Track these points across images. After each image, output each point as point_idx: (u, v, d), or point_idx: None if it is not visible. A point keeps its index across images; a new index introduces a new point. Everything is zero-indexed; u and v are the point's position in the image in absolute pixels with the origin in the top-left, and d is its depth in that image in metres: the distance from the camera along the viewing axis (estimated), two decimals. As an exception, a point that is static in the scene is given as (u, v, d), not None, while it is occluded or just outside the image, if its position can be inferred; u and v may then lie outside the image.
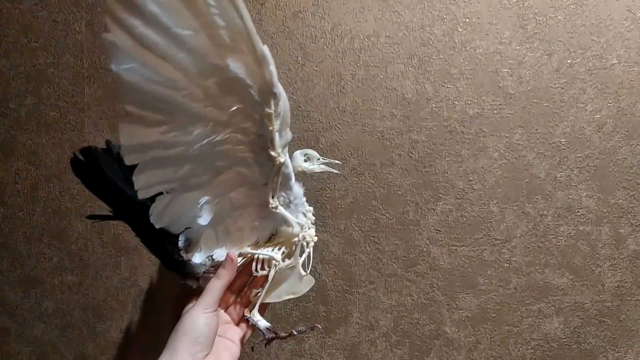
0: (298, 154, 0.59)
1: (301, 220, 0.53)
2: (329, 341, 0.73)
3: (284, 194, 0.50)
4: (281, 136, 0.44)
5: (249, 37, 0.38)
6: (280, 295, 0.54)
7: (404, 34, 0.71)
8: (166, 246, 0.50)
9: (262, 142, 0.44)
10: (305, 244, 0.53)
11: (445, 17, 0.71)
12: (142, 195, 0.44)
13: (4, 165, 0.77)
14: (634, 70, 0.69)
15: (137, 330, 0.76)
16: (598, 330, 0.70)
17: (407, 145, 0.71)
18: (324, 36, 0.72)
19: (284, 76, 0.73)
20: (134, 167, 0.43)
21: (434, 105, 0.71)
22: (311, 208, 0.55)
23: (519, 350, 0.71)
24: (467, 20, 0.70)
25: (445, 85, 0.71)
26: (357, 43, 0.72)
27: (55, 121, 0.76)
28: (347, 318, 0.73)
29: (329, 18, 0.72)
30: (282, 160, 0.45)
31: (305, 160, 0.59)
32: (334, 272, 0.73)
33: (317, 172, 0.61)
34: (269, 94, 0.40)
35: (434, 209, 0.71)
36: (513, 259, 0.71)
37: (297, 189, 0.52)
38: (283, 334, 0.54)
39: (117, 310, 0.76)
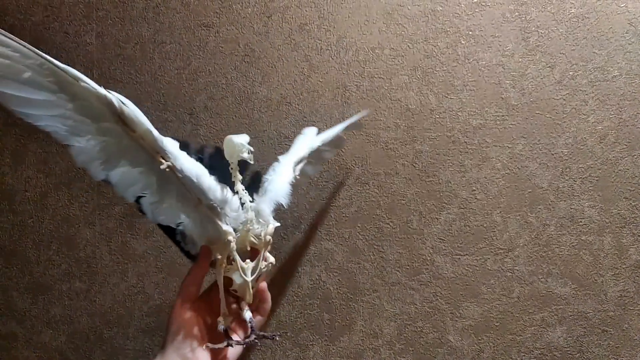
0: (225, 143, 0.49)
1: (230, 222, 0.49)
2: (333, 349, 0.74)
3: (201, 196, 0.47)
4: (145, 140, 0.44)
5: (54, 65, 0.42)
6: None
7: (408, 46, 0.72)
8: (174, 238, 0.51)
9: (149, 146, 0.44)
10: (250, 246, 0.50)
11: (448, 30, 0.72)
12: (78, 164, 0.46)
13: (15, 173, 0.78)
14: (636, 82, 0.70)
15: (143, 337, 0.77)
16: (600, 339, 0.71)
17: (411, 155, 0.72)
18: (330, 48, 0.74)
19: (290, 87, 0.74)
20: None
21: (438, 116, 0.72)
22: (261, 207, 0.50)
23: (522, 359, 0.71)
24: (470, 33, 0.72)
25: (449, 97, 0.72)
26: (362, 55, 0.73)
27: (65, 130, 0.77)
28: (351, 326, 0.74)
29: (335, 30, 0.73)
30: (163, 165, 0.44)
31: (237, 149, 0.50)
32: (338, 280, 0.74)
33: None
34: (106, 104, 0.43)
35: (437, 218, 0.72)
36: (516, 268, 0.71)
37: (215, 189, 0.47)
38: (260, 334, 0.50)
39: (124, 317, 0.77)
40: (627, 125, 0.70)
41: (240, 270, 0.48)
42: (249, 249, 0.50)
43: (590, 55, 0.70)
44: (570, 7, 0.70)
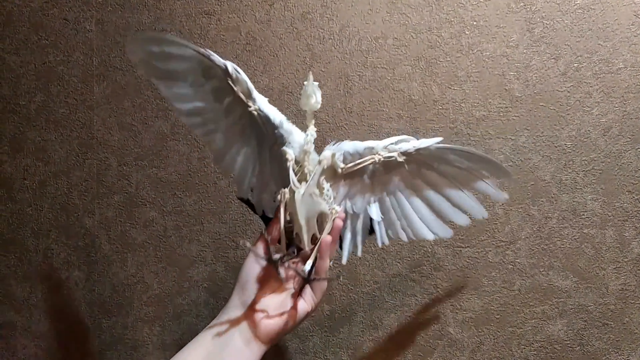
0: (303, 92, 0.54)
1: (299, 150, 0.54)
2: (333, 340, 0.74)
3: (276, 133, 0.54)
4: (245, 94, 0.52)
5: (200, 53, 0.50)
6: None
7: (412, 36, 0.72)
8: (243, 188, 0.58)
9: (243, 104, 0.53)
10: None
11: (452, 20, 0.71)
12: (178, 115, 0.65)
13: (13, 161, 0.77)
14: (640, 74, 0.69)
15: (142, 327, 0.77)
16: (601, 332, 0.70)
17: (413, 147, 0.72)
18: (332, 37, 0.73)
19: (291, 77, 0.73)
20: None
21: (441, 107, 0.71)
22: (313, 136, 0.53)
23: (522, 352, 0.71)
24: (475, 23, 0.71)
25: (452, 88, 0.71)
26: (364, 45, 0.72)
27: (64, 118, 0.77)
28: (351, 317, 0.73)
29: (337, 20, 0.73)
30: (251, 107, 0.52)
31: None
32: (339, 271, 0.73)
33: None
34: (222, 71, 0.51)
35: (439, 210, 0.72)
36: (517, 260, 0.71)
37: (288, 126, 0.54)
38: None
39: (123, 306, 0.77)
40: (632, 118, 0.69)
41: (292, 183, 0.51)
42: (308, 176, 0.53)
43: (595, 47, 0.69)
44: (576, -2, 0.70)
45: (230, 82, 0.51)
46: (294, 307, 0.52)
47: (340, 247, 0.57)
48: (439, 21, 0.71)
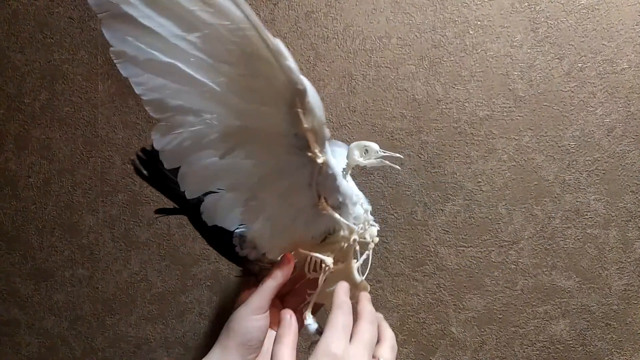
0: (354, 147, 0.50)
1: (352, 222, 0.48)
2: (336, 339, 0.74)
3: (332, 195, 0.45)
4: (316, 135, 0.40)
5: (258, 33, 0.35)
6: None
7: (416, 35, 0.72)
8: (223, 241, 0.48)
9: (300, 143, 0.40)
10: (359, 245, 0.49)
11: (456, 19, 0.71)
12: (189, 195, 0.42)
13: (18, 159, 0.78)
14: (645, 75, 0.69)
15: (145, 325, 0.77)
16: (604, 333, 0.70)
17: (416, 146, 0.72)
18: (336, 37, 0.73)
19: (295, 75, 0.73)
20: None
21: (444, 107, 0.72)
22: (369, 207, 0.50)
23: (524, 352, 0.71)
24: (479, 23, 0.71)
25: (456, 87, 0.71)
26: (368, 44, 0.72)
27: (69, 116, 0.77)
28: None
29: (341, 19, 0.73)
30: (320, 160, 0.41)
31: (364, 154, 0.50)
32: None
33: (376, 167, 0.54)
34: (293, 91, 0.37)
35: (442, 210, 0.72)
36: (520, 260, 0.71)
37: (346, 188, 0.47)
38: None
39: (126, 304, 0.77)
40: (635, 119, 0.69)
41: (356, 271, 0.48)
42: (358, 248, 0.49)
43: (599, 47, 0.69)
44: (580, -2, 0.70)
45: (300, 113, 0.38)
46: None
47: None
48: (443, 21, 0.71)
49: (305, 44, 0.73)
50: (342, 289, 0.47)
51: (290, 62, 0.36)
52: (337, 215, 0.46)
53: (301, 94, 0.36)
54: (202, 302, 0.76)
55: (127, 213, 0.77)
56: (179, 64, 0.37)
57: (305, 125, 0.38)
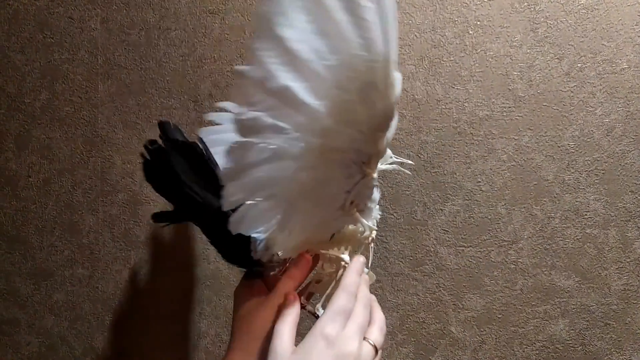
0: None
1: (372, 223, 0.50)
2: (335, 338, 0.74)
3: (364, 201, 0.47)
4: (380, 154, 0.41)
5: (388, 68, 0.34)
6: None
7: (415, 35, 0.72)
8: (240, 247, 0.47)
9: (360, 158, 0.40)
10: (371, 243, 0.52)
11: (456, 19, 0.71)
12: (229, 206, 0.42)
13: (18, 158, 0.78)
14: (644, 75, 0.69)
15: (145, 324, 0.77)
16: (603, 332, 0.70)
17: (416, 146, 0.72)
18: (336, 36, 0.73)
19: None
20: (203, 164, 0.42)
21: (444, 107, 0.72)
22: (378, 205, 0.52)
23: (524, 351, 0.71)
24: (478, 23, 0.71)
25: (455, 87, 0.71)
26: (368, 44, 0.72)
27: (69, 116, 0.77)
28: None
29: (341, 18, 0.73)
30: (375, 175, 0.42)
31: None
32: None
33: (387, 171, 0.57)
34: (387, 119, 0.37)
35: (441, 210, 0.72)
36: (520, 260, 0.71)
37: (376, 194, 0.48)
38: None
39: (127, 304, 0.77)
40: (635, 119, 0.69)
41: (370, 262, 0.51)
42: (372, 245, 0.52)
43: (599, 47, 0.69)
44: (580, -2, 0.70)
45: (382, 136, 0.39)
46: None
47: None
48: (442, 21, 0.71)
49: (305, 44, 0.73)
50: (355, 270, 0.47)
51: (397, 95, 0.36)
52: (363, 219, 0.47)
53: (391, 121, 0.37)
54: (202, 302, 0.76)
55: (127, 213, 0.77)
56: (296, 84, 0.36)
57: (379, 149, 0.39)
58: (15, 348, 0.79)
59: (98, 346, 0.78)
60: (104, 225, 0.77)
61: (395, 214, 0.73)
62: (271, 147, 0.38)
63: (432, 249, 0.72)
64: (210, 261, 0.76)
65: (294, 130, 0.37)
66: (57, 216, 0.78)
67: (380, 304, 0.72)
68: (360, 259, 0.49)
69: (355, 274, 0.47)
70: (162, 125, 0.48)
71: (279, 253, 0.49)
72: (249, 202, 0.42)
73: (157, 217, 0.53)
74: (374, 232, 0.52)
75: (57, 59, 0.77)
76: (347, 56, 0.34)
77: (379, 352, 0.46)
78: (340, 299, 0.45)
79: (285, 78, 0.35)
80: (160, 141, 0.48)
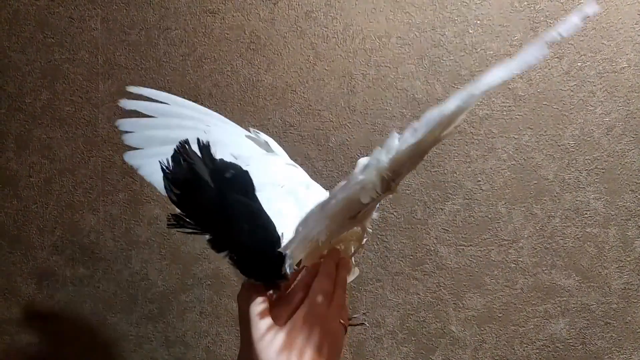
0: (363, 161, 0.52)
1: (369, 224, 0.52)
2: (336, 338, 0.74)
3: (372, 210, 0.49)
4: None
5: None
6: None
7: (415, 35, 0.72)
8: (275, 264, 0.47)
9: (384, 186, 0.43)
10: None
11: (456, 18, 0.71)
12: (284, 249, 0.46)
13: (19, 158, 0.78)
14: (644, 73, 0.69)
15: (146, 324, 0.77)
16: (604, 331, 0.71)
17: (416, 145, 0.72)
18: (336, 36, 0.73)
19: (295, 75, 0.73)
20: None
21: (444, 106, 0.72)
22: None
23: (524, 350, 0.72)
24: (478, 22, 0.71)
25: (456, 86, 0.71)
26: (368, 43, 0.73)
27: (70, 116, 0.77)
28: (353, 315, 0.74)
29: (341, 18, 0.73)
30: (394, 194, 0.45)
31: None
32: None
33: None
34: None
35: (442, 209, 0.72)
36: (520, 259, 0.71)
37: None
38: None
39: (127, 303, 0.77)
40: (635, 118, 0.69)
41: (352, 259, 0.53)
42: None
43: (599, 47, 0.69)
44: (580, -3, 0.70)
45: (394, 185, 0.42)
46: None
47: None
48: (442, 20, 0.71)
49: (305, 44, 0.74)
50: (332, 260, 0.51)
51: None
52: (369, 227, 0.50)
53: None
54: (203, 301, 0.76)
55: (128, 212, 0.77)
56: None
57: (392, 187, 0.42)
58: (16, 347, 0.79)
59: (99, 346, 0.78)
60: (105, 224, 0.77)
61: (395, 213, 0.73)
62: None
63: (432, 248, 0.72)
64: (211, 260, 0.76)
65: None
66: (58, 216, 0.78)
67: (380, 303, 0.73)
68: (333, 255, 0.51)
69: (333, 265, 0.50)
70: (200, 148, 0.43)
71: (294, 263, 0.49)
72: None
73: (176, 224, 0.44)
74: (370, 230, 0.54)
75: (57, 58, 0.77)
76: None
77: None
78: (322, 283, 0.49)
79: None
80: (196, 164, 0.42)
